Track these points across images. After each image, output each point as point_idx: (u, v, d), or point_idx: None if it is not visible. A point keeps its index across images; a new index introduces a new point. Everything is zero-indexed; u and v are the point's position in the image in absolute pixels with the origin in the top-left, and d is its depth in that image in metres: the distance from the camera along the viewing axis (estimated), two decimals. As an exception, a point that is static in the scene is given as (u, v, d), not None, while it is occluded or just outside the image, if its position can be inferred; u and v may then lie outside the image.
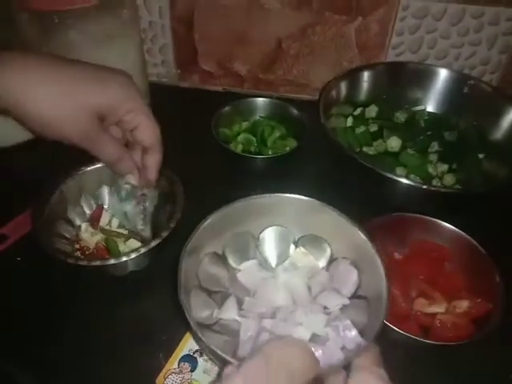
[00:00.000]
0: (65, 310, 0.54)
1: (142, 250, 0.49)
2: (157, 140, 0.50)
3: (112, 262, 0.48)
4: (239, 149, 0.70)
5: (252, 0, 0.77)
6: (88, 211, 0.60)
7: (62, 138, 0.45)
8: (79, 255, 0.55)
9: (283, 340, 0.29)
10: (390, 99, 0.76)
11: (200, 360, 0.48)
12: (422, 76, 0.76)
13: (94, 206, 0.61)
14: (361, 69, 0.75)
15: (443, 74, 0.75)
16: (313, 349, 0.33)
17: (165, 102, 0.81)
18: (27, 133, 0.74)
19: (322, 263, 0.49)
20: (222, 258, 0.49)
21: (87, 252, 0.55)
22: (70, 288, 0.55)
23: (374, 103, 0.75)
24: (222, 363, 0.36)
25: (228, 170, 0.72)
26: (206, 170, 0.70)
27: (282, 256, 0.51)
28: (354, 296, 0.45)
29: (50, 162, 0.73)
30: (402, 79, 0.76)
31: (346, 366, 0.31)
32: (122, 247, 0.55)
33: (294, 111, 0.73)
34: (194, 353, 0.49)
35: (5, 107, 0.43)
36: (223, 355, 0.35)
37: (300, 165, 0.71)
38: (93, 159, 0.59)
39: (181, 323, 0.50)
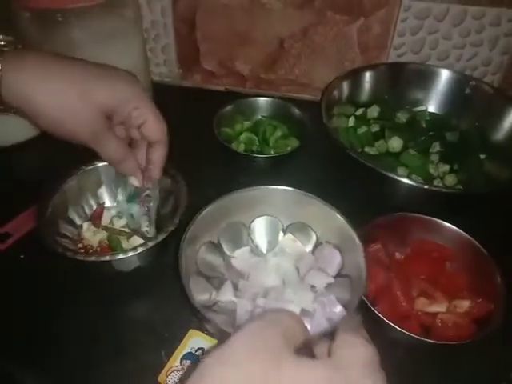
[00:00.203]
0: (68, 307, 0.54)
1: (150, 244, 0.50)
2: (163, 135, 0.51)
3: (120, 256, 0.49)
4: (241, 148, 0.71)
5: (254, 0, 0.78)
6: (89, 211, 0.61)
7: (70, 136, 0.45)
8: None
9: (275, 309, 0.30)
10: (392, 100, 0.76)
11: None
12: (423, 77, 0.76)
13: (95, 206, 0.61)
14: (363, 69, 0.75)
15: (445, 74, 0.75)
16: None
17: (167, 102, 0.80)
18: (28, 132, 0.75)
19: (309, 248, 0.53)
20: (217, 247, 0.53)
21: (91, 251, 0.55)
22: (73, 285, 0.55)
23: (375, 103, 0.75)
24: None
25: (230, 169, 0.72)
26: (208, 169, 0.70)
27: (272, 242, 0.55)
28: (338, 275, 0.50)
29: (51, 161, 0.73)
30: (404, 80, 0.76)
31: (332, 334, 0.32)
32: (125, 245, 0.55)
33: (296, 111, 0.74)
34: (196, 351, 0.49)
35: (16, 106, 0.43)
36: (224, 329, 0.41)
37: (302, 164, 0.71)
38: (93, 159, 0.60)
39: (183, 321, 0.51)
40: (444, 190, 0.60)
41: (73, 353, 0.50)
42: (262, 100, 0.76)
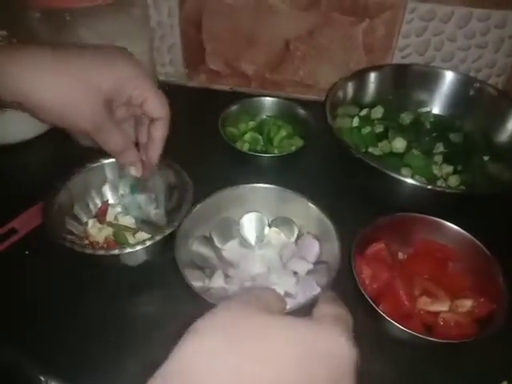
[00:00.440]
0: (74, 303, 0.54)
1: (157, 238, 0.50)
2: (165, 112, 0.51)
3: (129, 250, 0.50)
4: (246, 147, 0.71)
5: (260, 1, 0.78)
6: (94, 208, 0.61)
7: (71, 127, 0.46)
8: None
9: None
10: (396, 100, 0.77)
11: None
12: (428, 78, 0.76)
13: (100, 203, 0.62)
14: (367, 70, 0.76)
15: (449, 76, 0.75)
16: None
17: (172, 101, 0.82)
18: (35, 129, 0.76)
19: (291, 238, 0.58)
20: (209, 240, 0.57)
21: (97, 247, 0.56)
22: (79, 281, 0.56)
23: (380, 104, 0.75)
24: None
25: (235, 167, 0.73)
26: (213, 168, 0.71)
27: (259, 236, 0.59)
28: (317, 262, 0.55)
29: (58, 158, 0.74)
30: (408, 81, 0.77)
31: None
32: (131, 240, 0.56)
33: (301, 111, 0.74)
34: (199, 346, 0.49)
35: (14, 101, 0.43)
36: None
37: (306, 164, 0.72)
38: (98, 156, 0.60)
39: (190, 313, 0.51)
40: (447, 191, 0.60)
41: (78, 347, 0.50)
42: (267, 100, 0.77)
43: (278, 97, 0.78)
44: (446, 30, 0.76)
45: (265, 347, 0.25)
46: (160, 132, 0.52)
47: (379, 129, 0.72)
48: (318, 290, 0.50)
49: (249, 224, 0.59)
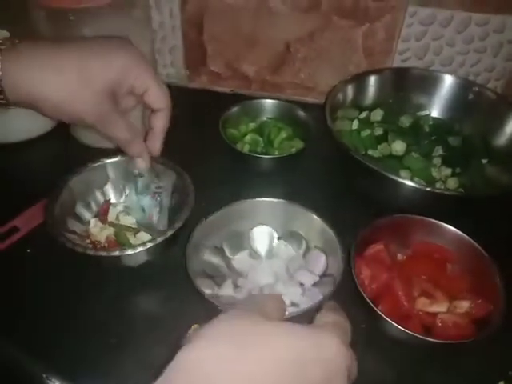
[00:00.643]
0: (74, 302, 0.55)
1: (159, 240, 0.51)
2: (166, 103, 0.51)
3: (130, 251, 0.50)
4: (246, 149, 0.71)
5: (261, 3, 0.79)
6: (96, 207, 0.62)
7: (78, 122, 0.46)
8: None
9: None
10: (396, 104, 0.77)
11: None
12: (427, 82, 0.77)
13: (101, 202, 0.62)
14: (367, 73, 0.76)
15: (448, 80, 0.76)
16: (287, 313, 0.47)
17: (173, 102, 0.82)
18: (39, 128, 0.76)
19: (299, 252, 0.59)
20: (219, 250, 0.58)
21: (98, 246, 0.56)
22: (80, 280, 0.56)
23: (379, 107, 0.76)
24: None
25: (235, 169, 0.73)
26: (213, 169, 0.71)
27: (268, 248, 0.60)
28: (323, 275, 0.56)
29: (61, 156, 0.75)
30: (408, 84, 0.77)
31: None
32: (133, 240, 0.56)
33: (301, 113, 0.75)
34: (199, 346, 0.49)
35: (20, 99, 0.44)
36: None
37: (306, 165, 0.72)
38: (100, 155, 0.61)
39: (186, 316, 0.52)
40: (446, 193, 0.61)
41: (79, 346, 0.50)
42: (268, 102, 0.77)
43: (278, 99, 0.79)
44: (446, 35, 0.76)
45: (265, 353, 0.26)
46: (161, 123, 0.51)
47: (379, 131, 0.73)
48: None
49: (258, 236, 0.60)
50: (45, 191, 0.58)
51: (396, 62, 0.81)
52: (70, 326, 0.52)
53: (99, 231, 0.59)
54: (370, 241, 0.55)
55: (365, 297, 0.48)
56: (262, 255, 0.60)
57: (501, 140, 0.71)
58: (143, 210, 0.57)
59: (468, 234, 0.55)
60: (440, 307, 0.51)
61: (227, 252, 0.59)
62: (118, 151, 0.61)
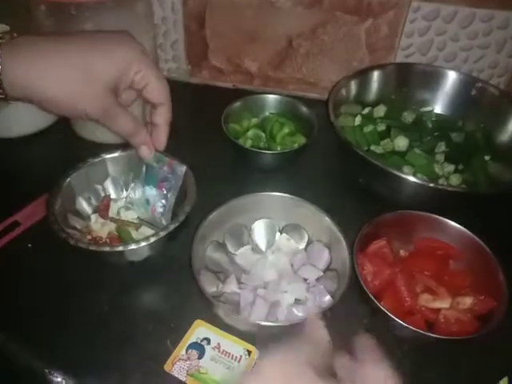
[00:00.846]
0: (76, 297, 0.54)
1: (162, 234, 0.51)
2: (166, 97, 0.50)
3: (133, 246, 0.50)
4: (248, 144, 0.71)
5: (264, -2, 0.78)
6: (96, 203, 0.61)
7: (80, 116, 0.46)
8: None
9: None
10: (399, 99, 0.77)
11: (207, 348, 0.49)
12: (430, 77, 0.76)
13: (101, 198, 0.62)
14: (370, 69, 0.76)
15: (451, 76, 0.75)
16: (295, 310, 0.51)
17: (175, 98, 0.82)
18: (38, 124, 0.76)
19: (302, 246, 0.59)
20: (222, 246, 0.58)
21: (100, 242, 0.56)
22: (81, 275, 0.56)
23: (382, 103, 0.76)
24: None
25: (237, 164, 0.73)
26: (215, 164, 0.71)
27: (270, 242, 0.60)
28: (327, 269, 0.56)
29: (60, 152, 0.74)
30: (411, 80, 0.77)
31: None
32: (135, 235, 0.56)
33: (304, 108, 0.74)
34: (201, 340, 0.50)
35: (20, 95, 0.43)
36: (232, 314, 0.48)
37: (308, 161, 0.72)
38: (98, 152, 0.60)
39: (190, 311, 0.52)
40: (449, 189, 0.60)
41: (80, 341, 0.50)
42: (270, 97, 0.77)
43: (280, 94, 0.78)
44: (449, 30, 0.76)
45: None
46: (163, 118, 0.51)
47: (381, 127, 0.73)
48: (328, 296, 0.51)
49: (260, 230, 0.60)
50: (46, 186, 0.58)
51: (399, 58, 0.80)
52: (71, 322, 0.52)
53: (100, 227, 0.58)
54: (372, 237, 0.55)
55: (368, 292, 0.48)
56: (265, 250, 0.60)
57: (504, 136, 0.71)
58: (147, 202, 0.57)
59: (471, 231, 0.55)
60: (443, 303, 0.51)
61: (229, 247, 0.58)
62: (118, 146, 0.61)
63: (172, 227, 0.51)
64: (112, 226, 0.59)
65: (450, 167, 0.68)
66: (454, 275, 0.54)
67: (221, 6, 0.81)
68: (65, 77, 0.43)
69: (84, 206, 0.60)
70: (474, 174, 0.67)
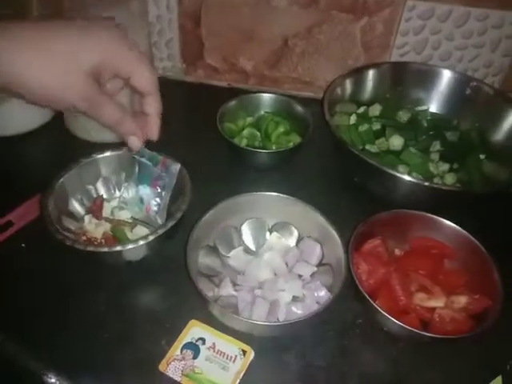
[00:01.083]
0: (71, 298, 0.54)
1: (160, 232, 0.50)
2: (153, 86, 0.48)
3: (131, 245, 0.50)
4: (244, 143, 0.71)
5: (259, -3, 0.78)
6: (89, 203, 0.61)
7: (67, 106, 0.45)
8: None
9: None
10: (394, 98, 0.77)
11: (202, 348, 0.49)
12: (425, 76, 0.76)
13: (93, 198, 0.61)
14: (366, 68, 0.76)
15: (446, 75, 0.75)
16: (294, 308, 0.51)
17: (170, 97, 0.81)
18: (31, 123, 0.75)
19: (292, 242, 0.59)
20: (213, 249, 0.58)
21: (95, 243, 0.56)
22: (76, 275, 0.56)
23: (377, 102, 0.76)
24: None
25: (232, 163, 0.73)
26: (210, 163, 0.71)
27: (261, 241, 0.60)
28: (320, 264, 0.56)
29: (53, 151, 0.74)
30: (406, 79, 0.77)
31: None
32: (130, 235, 0.56)
33: (299, 107, 0.74)
34: (196, 340, 0.49)
35: (4, 85, 0.41)
36: (234, 316, 0.47)
37: (303, 160, 0.72)
38: (90, 152, 0.60)
39: (185, 311, 0.52)
40: (444, 188, 0.60)
41: (75, 341, 0.50)
42: (265, 96, 0.77)
43: (275, 93, 0.78)
44: (444, 29, 0.76)
45: None
46: (153, 108, 0.50)
47: (376, 126, 0.73)
48: (324, 291, 0.52)
49: (249, 230, 0.60)
50: (39, 186, 0.57)
51: (394, 56, 0.81)
52: (66, 322, 0.52)
53: (94, 227, 0.58)
54: (367, 236, 0.55)
55: (362, 291, 0.48)
56: (256, 249, 0.60)
57: (498, 135, 0.71)
58: (141, 201, 0.57)
59: (466, 230, 0.55)
60: (438, 302, 0.51)
61: (221, 250, 0.58)
62: (110, 146, 0.60)
63: (170, 225, 0.51)
64: (106, 227, 0.58)
65: (445, 166, 0.68)
66: (448, 274, 0.54)
67: (216, 4, 0.80)
68: (50, 65, 0.42)
69: (77, 207, 0.60)
70: (469, 173, 0.67)
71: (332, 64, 0.83)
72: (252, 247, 0.60)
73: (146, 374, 0.47)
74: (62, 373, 0.47)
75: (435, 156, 0.69)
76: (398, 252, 0.58)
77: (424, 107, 0.77)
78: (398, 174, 0.57)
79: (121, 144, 0.54)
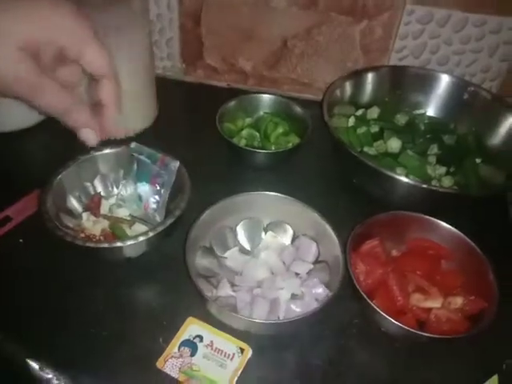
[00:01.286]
0: (68, 294, 0.54)
1: (159, 229, 0.50)
2: (107, 68, 0.42)
3: (131, 242, 0.50)
4: (242, 143, 0.71)
5: (259, -2, 0.79)
6: (86, 200, 0.61)
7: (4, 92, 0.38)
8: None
9: None
10: (392, 102, 0.77)
11: (200, 345, 0.49)
12: (423, 80, 0.77)
13: (91, 196, 0.61)
14: (365, 70, 0.77)
15: (444, 79, 0.76)
16: (293, 306, 0.51)
17: (170, 96, 0.82)
18: (29, 119, 0.75)
19: (287, 241, 0.60)
20: (210, 250, 0.57)
21: (94, 240, 0.56)
22: (74, 271, 0.56)
23: (376, 105, 0.76)
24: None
25: (231, 163, 0.73)
26: (210, 163, 0.71)
27: (256, 241, 0.60)
28: (317, 262, 0.57)
29: (51, 147, 0.74)
30: (405, 83, 0.78)
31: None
32: (129, 232, 0.56)
33: (298, 108, 0.75)
34: (194, 338, 0.49)
35: None
36: (233, 314, 0.48)
37: (302, 161, 0.73)
38: (88, 149, 0.60)
39: (182, 308, 0.52)
40: (441, 190, 0.61)
41: (73, 338, 0.50)
42: (265, 97, 0.77)
43: (274, 94, 0.78)
44: (443, 34, 0.77)
45: None
46: (106, 93, 0.43)
47: (375, 129, 0.73)
48: (322, 287, 0.52)
49: (245, 230, 0.60)
50: (37, 181, 0.57)
51: (393, 60, 0.81)
52: (64, 319, 0.52)
53: (92, 225, 0.58)
54: (365, 236, 0.56)
55: (360, 291, 0.49)
56: (252, 249, 0.60)
57: (495, 140, 0.71)
58: (140, 198, 0.57)
59: (462, 232, 0.55)
60: (434, 303, 0.51)
61: (217, 250, 0.58)
62: (108, 143, 0.60)
63: (169, 222, 0.51)
64: (105, 224, 0.58)
65: (442, 169, 0.68)
66: (445, 275, 0.55)
67: (217, 4, 0.81)
68: None
69: (75, 204, 0.60)
70: (466, 177, 0.68)
71: (331, 66, 0.84)
72: (247, 247, 0.60)
73: (143, 371, 0.47)
74: (60, 368, 0.47)
75: (432, 159, 0.70)
76: (395, 253, 0.58)
77: (422, 111, 0.78)
78: (396, 176, 0.58)
79: (118, 141, 0.54)
